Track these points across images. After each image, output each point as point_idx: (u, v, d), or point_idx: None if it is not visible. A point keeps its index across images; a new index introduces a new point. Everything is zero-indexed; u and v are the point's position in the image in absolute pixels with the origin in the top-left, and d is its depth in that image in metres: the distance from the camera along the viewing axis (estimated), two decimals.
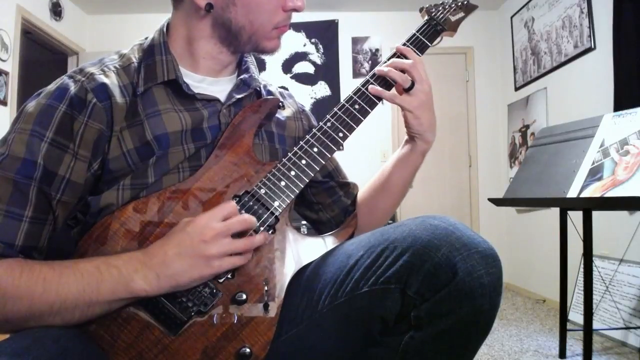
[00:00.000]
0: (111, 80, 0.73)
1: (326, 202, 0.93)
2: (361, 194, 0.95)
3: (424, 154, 0.87)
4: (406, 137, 0.87)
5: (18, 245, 0.63)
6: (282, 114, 0.90)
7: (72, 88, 0.70)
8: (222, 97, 0.80)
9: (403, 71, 0.81)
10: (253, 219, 0.68)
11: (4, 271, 0.59)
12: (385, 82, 0.82)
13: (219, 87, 0.82)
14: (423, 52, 0.83)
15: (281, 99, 0.91)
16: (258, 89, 0.86)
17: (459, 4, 0.90)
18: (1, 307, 0.58)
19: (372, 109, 0.80)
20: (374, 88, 0.80)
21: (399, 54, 0.83)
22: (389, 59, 0.83)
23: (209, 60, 0.81)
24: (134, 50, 0.80)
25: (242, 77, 0.84)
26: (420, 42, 0.84)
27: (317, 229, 0.95)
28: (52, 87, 0.71)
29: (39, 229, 0.65)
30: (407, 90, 0.81)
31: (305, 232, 0.80)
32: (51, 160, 0.66)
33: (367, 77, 0.82)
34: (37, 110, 0.68)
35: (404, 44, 0.83)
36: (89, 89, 0.70)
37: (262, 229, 0.70)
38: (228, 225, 0.65)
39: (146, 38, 0.82)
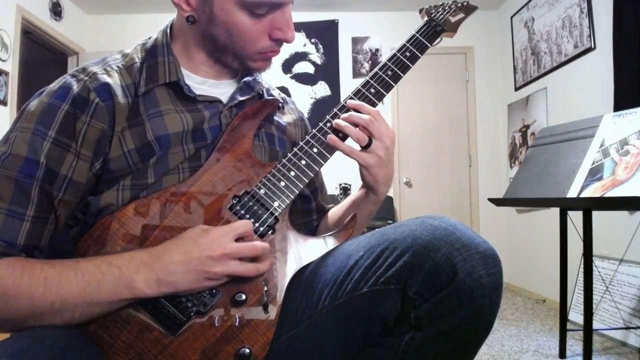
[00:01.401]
0: (114, 80, 0.73)
1: (299, 221, 0.92)
2: (323, 222, 0.95)
3: (376, 203, 0.86)
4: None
5: (20, 244, 0.63)
6: (283, 119, 0.90)
7: (75, 87, 0.70)
8: (224, 98, 0.80)
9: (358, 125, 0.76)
10: (265, 245, 0.67)
11: (5, 270, 0.59)
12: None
13: (221, 90, 0.82)
14: (423, 53, 0.83)
15: (281, 102, 0.91)
16: (261, 92, 0.86)
17: (459, 5, 0.90)
18: (2, 305, 0.58)
19: None
20: (332, 138, 0.76)
21: (351, 109, 0.78)
22: (333, 113, 0.78)
23: (205, 67, 0.80)
24: (137, 50, 0.80)
25: (245, 79, 0.84)
26: (420, 43, 0.83)
27: None
28: (54, 85, 0.71)
29: (41, 228, 0.65)
30: (365, 147, 0.77)
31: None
32: (53, 159, 0.66)
33: (335, 109, 0.78)
34: (39, 109, 0.68)
35: (403, 45, 0.83)
36: (92, 88, 0.70)
37: (261, 229, 0.70)
38: (238, 250, 0.64)
39: (149, 38, 0.81)
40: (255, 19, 0.72)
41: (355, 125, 0.77)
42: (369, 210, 0.87)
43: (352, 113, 0.77)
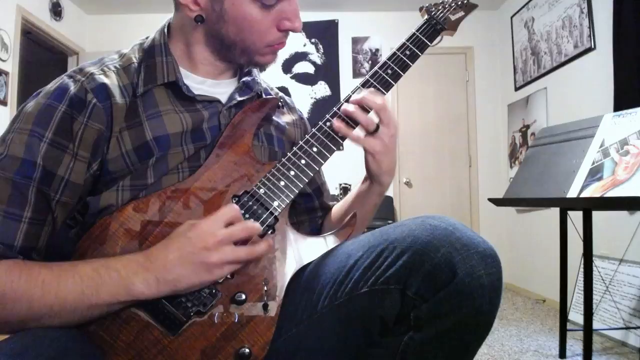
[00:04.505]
0: (111, 81, 0.72)
1: (303, 218, 0.93)
2: (327, 219, 0.95)
3: (380, 194, 0.85)
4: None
5: (17, 246, 0.63)
6: (282, 119, 0.90)
7: (72, 88, 0.69)
8: (223, 98, 0.80)
9: (370, 109, 0.76)
10: (257, 225, 0.67)
11: (3, 273, 0.59)
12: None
13: (220, 89, 0.81)
14: (423, 52, 0.83)
15: (281, 101, 0.91)
16: (259, 92, 0.85)
17: (459, 3, 0.90)
18: (0, 309, 0.58)
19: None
20: (339, 125, 0.75)
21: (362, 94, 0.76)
22: (333, 112, 0.77)
23: (207, 66, 0.80)
24: (135, 50, 0.79)
25: (244, 79, 0.84)
26: (420, 41, 0.83)
27: None
28: (51, 86, 0.71)
29: (38, 229, 0.65)
30: (372, 132, 0.76)
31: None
32: (50, 160, 0.66)
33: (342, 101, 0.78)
34: (36, 110, 0.68)
35: (404, 43, 0.82)
36: (89, 89, 0.70)
37: (261, 229, 0.70)
38: (231, 233, 0.64)
39: (147, 37, 0.81)
40: (265, 11, 0.73)
41: (364, 110, 0.76)
42: (373, 203, 0.86)
43: (365, 96, 0.76)
